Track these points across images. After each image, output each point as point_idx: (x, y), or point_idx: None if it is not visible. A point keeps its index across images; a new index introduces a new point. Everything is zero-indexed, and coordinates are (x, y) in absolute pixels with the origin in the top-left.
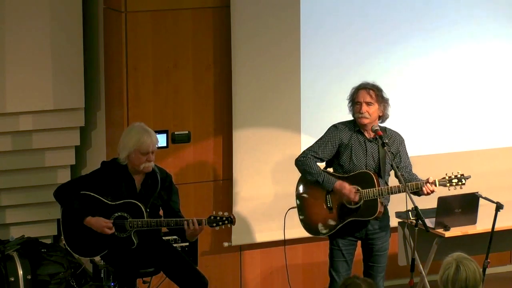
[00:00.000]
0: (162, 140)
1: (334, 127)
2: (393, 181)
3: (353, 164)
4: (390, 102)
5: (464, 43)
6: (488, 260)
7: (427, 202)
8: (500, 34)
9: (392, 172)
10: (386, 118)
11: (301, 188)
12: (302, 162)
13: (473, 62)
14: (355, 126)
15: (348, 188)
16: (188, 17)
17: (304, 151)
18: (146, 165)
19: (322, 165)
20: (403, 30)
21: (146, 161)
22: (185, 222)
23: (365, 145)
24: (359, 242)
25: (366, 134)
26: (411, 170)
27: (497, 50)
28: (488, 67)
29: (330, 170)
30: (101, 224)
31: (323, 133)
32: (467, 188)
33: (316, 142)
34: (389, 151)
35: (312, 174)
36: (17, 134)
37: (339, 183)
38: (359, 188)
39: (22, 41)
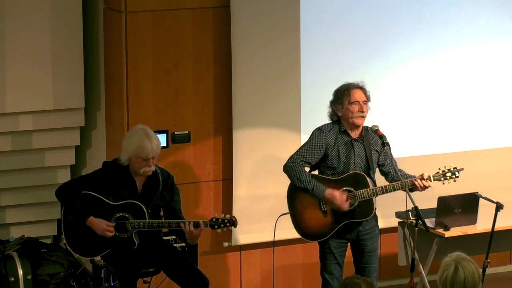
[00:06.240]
0: (162, 140)
1: (319, 130)
2: (378, 178)
3: (342, 165)
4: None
5: (465, 42)
6: (488, 260)
7: (427, 202)
8: (500, 33)
9: (377, 170)
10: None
11: (293, 194)
12: (292, 168)
13: (473, 62)
14: (340, 127)
15: (339, 199)
16: (188, 17)
17: (292, 156)
18: (146, 169)
19: (307, 168)
20: (402, 29)
21: (146, 166)
22: (182, 223)
23: (352, 145)
24: (349, 244)
25: (352, 134)
26: (397, 166)
27: (497, 50)
28: (488, 67)
29: (316, 173)
30: (103, 227)
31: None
32: (467, 188)
33: (303, 147)
34: (387, 152)
35: (301, 181)
36: (17, 134)
37: (328, 193)
38: (353, 190)
39: (22, 41)
